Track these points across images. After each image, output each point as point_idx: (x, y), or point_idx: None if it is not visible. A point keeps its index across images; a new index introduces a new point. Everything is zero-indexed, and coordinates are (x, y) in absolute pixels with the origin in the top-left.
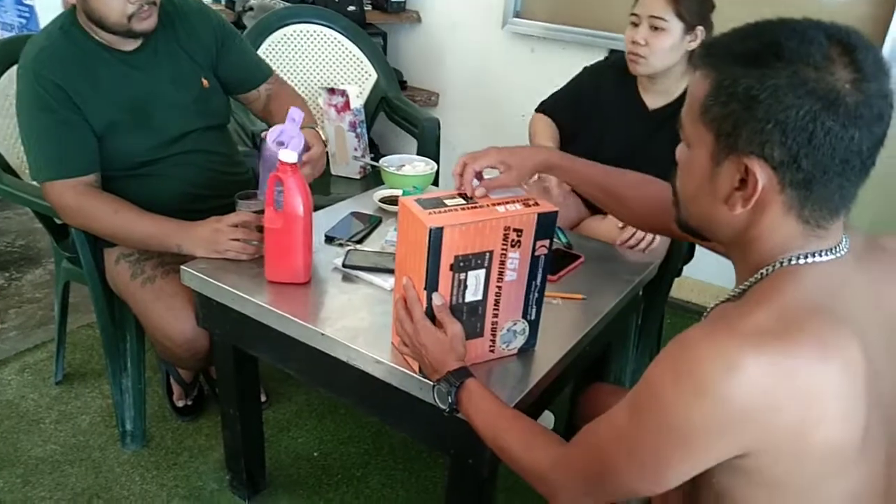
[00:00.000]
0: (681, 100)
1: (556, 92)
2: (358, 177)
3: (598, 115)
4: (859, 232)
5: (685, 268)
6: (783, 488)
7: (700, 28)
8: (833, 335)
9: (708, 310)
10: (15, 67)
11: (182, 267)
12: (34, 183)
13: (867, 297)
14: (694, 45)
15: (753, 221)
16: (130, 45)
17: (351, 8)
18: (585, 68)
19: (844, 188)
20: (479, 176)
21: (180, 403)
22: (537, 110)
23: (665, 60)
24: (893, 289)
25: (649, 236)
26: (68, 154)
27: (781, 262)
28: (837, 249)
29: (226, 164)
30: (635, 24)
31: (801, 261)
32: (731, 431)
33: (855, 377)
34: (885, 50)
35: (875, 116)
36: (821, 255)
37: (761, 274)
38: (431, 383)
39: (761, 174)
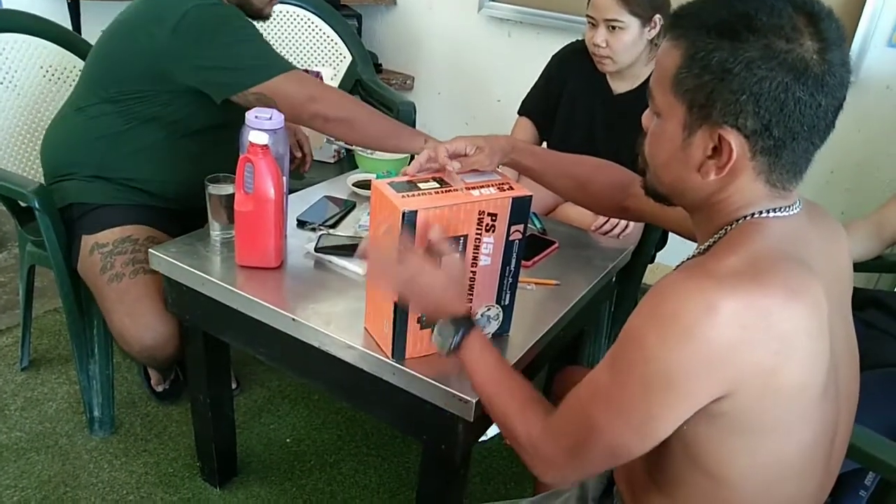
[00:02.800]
0: (645, 85)
1: (530, 89)
2: (332, 161)
3: (567, 101)
4: (803, 196)
5: (658, 254)
6: (753, 434)
7: (657, 16)
8: (801, 279)
9: (675, 267)
10: None
11: (151, 250)
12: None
13: (821, 252)
14: (654, 32)
15: (723, 186)
16: None
17: None
18: (553, 56)
19: (809, 152)
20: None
21: (159, 388)
22: (518, 112)
23: (629, 55)
24: (837, 248)
25: (623, 222)
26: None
27: (746, 217)
28: (793, 208)
29: None
30: (593, 25)
31: (765, 215)
32: (714, 371)
33: (821, 319)
34: (858, 37)
35: (838, 83)
36: (782, 211)
37: (726, 230)
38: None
39: (735, 143)
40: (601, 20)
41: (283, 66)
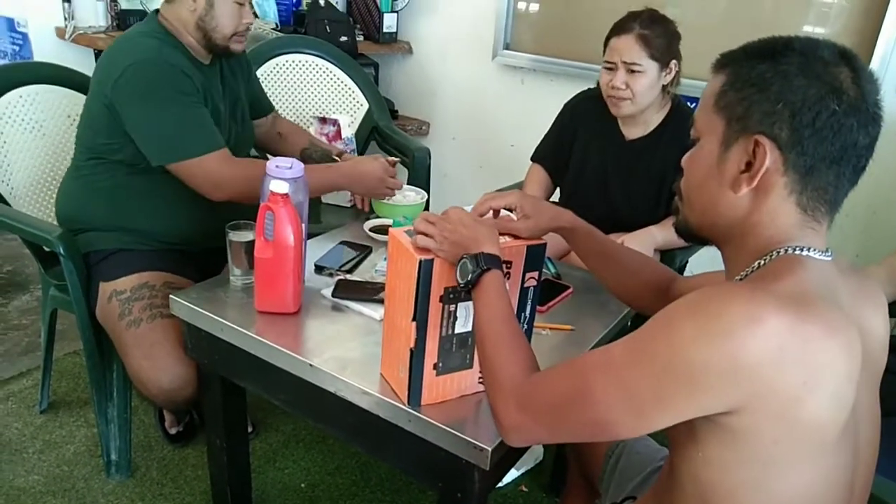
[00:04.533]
0: (658, 131)
1: (543, 137)
2: (349, 205)
3: (580, 148)
4: (836, 255)
5: None
6: (762, 466)
7: (673, 61)
8: (839, 319)
9: None
10: (9, 95)
11: (172, 296)
12: (24, 211)
13: (851, 305)
14: (669, 77)
15: (756, 206)
16: (207, 60)
17: (343, 38)
18: (566, 105)
19: (839, 180)
20: (496, 213)
21: (173, 430)
22: (531, 159)
23: (647, 99)
24: (865, 306)
25: None
26: (212, 131)
27: (782, 251)
28: (826, 254)
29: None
30: (611, 69)
31: (801, 252)
32: (737, 379)
33: (852, 362)
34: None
35: (870, 116)
36: (815, 252)
37: (764, 260)
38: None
39: (769, 151)
40: (620, 63)
41: (198, 149)
